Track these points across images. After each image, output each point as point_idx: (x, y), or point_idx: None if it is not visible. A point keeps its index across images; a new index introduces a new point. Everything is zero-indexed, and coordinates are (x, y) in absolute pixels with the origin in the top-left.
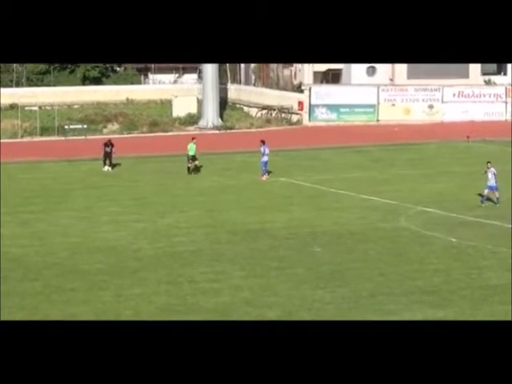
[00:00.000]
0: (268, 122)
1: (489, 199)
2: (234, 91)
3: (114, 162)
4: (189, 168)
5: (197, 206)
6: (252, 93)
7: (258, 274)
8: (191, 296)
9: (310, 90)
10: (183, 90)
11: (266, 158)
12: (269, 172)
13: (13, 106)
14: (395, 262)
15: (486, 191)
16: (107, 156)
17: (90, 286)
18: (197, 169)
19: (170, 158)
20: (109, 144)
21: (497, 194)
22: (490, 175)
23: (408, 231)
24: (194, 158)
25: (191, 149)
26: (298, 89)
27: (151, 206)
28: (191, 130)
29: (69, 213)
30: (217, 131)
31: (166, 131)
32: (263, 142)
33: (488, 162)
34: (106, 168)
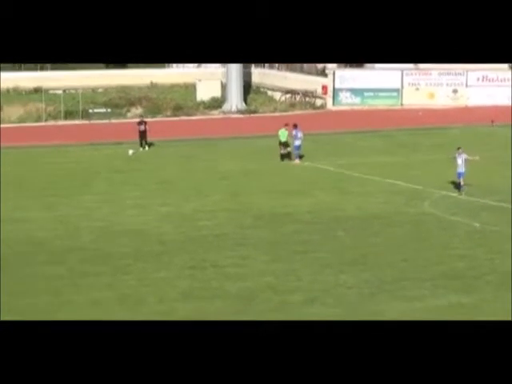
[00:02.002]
0: (292, 106)
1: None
2: (258, 75)
3: (138, 145)
4: (282, 155)
5: (221, 190)
6: (276, 77)
7: (282, 259)
8: (215, 280)
9: (333, 74)
10: (207, 74)
11: (298, 142)
12: (301, 156)
13: (37, 90)
14: (419, 247)
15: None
16: (142, 135)
17: (113, 271)
18: (288, 155)
19: (194, 142)
20: (142, 122)
21: (462, 182)
22: (459, 161)
23: (432, 216)
24: (286, 144)
25: (283, 135)
26: (322, 73)
27: (175, 190)
28: (215, 114)
29: (93, 197)
30: (241, 115)
31: (190, 115)
32: (296, 126)
33: (459, 148)
34: (141, 149)
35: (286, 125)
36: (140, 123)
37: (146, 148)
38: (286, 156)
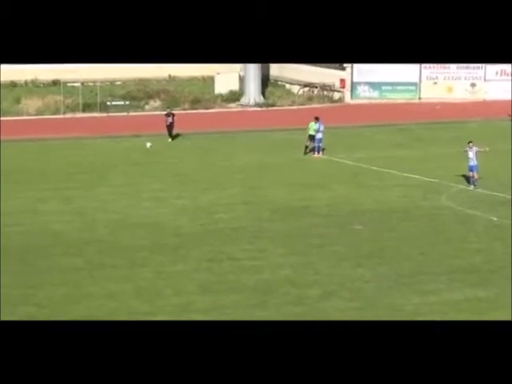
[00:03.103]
0: (310, 99)
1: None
2: (276, 68)
3: (155, 138)
4: (306, 147)
5: (238, 182)
6: (294, 70)
7: (299, 252)
8: (232, 274)
9: (352, 67)
10: (225, 67)
11: (320, 135)
12: (323, 149)
13: (55, 82)
14: (436, 241)
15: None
16: (170, 127)
17: (131, 263)
18: (312, 149)
19: (211, 135)
20: (170, 114)
21: (475, 176)
22: (471, 154)
23: (449, 210)
24: (313, 138)
25: (312, 128)
26: (340, 66)
27: (192, 182)
28: (233, 107)
29: (110, 189)
30: (258, 108)
31: (208, 108)
32: (317, 119)
33: (469, 142)
34: (170, 140)
35: (316, 118)
36: (168, 115)
37: (169, 140)
38: (310, 149)
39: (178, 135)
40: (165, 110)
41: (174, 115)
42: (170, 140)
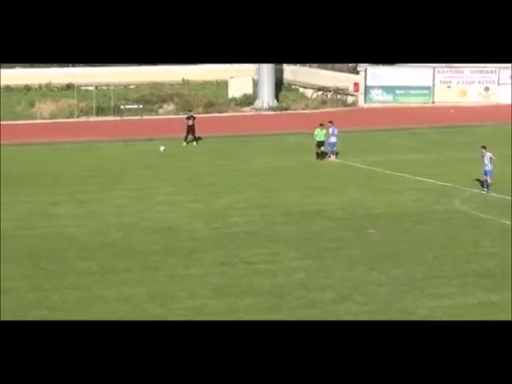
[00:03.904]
0: (323, 103)
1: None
2: (290, 72)
3: (169, 141)
4: (317, 154)
5: (252, 186)
6: (307, 74)
7: (313, 256)
8: (246, 277)
9: (365, 71)
10: (239, 71)
11: (334, 139)
12: (337, 153)
13: (69, 86)
14: (449, 245)
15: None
16: (190, 130)
17: (144, 267)
18: (323, 154)
19: (225, 139)
20: (190, 117)
21: (489, 180)
22: (485, 160)
23: (462, 213)
24: (321, 144)
25: (319, 135)
26: (354, 70)
27: (206, 186)
28: (246, 111)
29: (124, 193)
30: (272, 112)
31: (222, 112)
32: (331, 123)
33: (483, 147)
34: (184, 143)
35: (322, 124)
36: (189, 118)
37: (194, 143)
38: (321, 154)
39: (199, 138)
40: (179, 114)
41: (194, 118)
42: (184, 144)
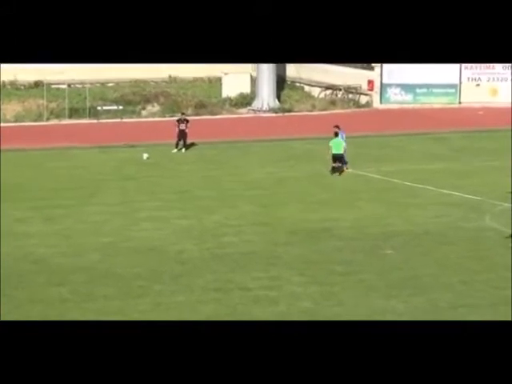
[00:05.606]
0: (332, 103)
1: None
2: (294, 68)
3: (153, 148)
4: (333, 168)
5: (249, 200)
6: (314, 70)
7: (320, 281)
8: (242, 305)
9: (381, 67)
10: (234, 67)
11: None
12: (346, 162)
13: (38, 84)
14: (479, 268)
15: None
16: (181, 135)
17: (125, 293)
18: (339, 169)
19: (218, 145)
20: (183, 120)
21: None
22: None
23: (493, 232)
24: (339, 159)
25: (335, 146)
26: (368, 66)
27: (196, 200)
28: (243, 113)
29: (101, 208)
30: (273, 114)
31: (215, 114)
32: (338, 127)
33: None
34: (175, 150)
35: (337, 127)
36: (180, 121)
37: (183, 150)
38: (337, 169)
39: (192, 144)
40: (165, 116)
41: (187, 121)
42: (174, 151)
